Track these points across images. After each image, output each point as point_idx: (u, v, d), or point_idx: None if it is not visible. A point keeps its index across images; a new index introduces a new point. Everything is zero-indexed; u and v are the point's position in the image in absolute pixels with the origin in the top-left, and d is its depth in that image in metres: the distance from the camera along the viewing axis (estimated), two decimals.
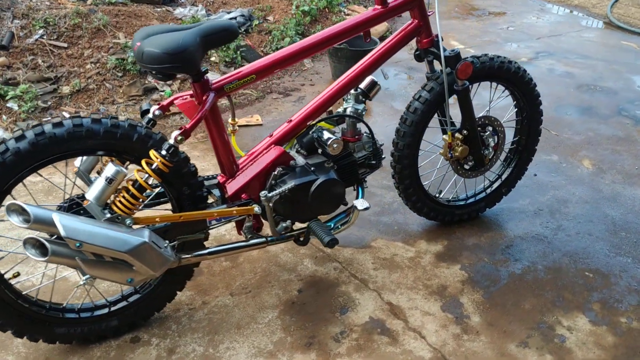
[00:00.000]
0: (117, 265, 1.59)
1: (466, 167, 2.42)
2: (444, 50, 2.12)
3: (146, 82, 3.70)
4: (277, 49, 4.30)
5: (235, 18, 4.38)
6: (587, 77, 4.38)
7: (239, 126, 3.38)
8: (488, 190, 2.62)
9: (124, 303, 1.93)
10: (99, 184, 1.61)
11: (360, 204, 1.99)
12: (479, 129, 2.35)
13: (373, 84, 2.15)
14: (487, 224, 2.62)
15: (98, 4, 4.24)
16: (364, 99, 2.14)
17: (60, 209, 1.72)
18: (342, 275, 2.27)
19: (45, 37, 3.78)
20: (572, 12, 6.30)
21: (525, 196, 2.83)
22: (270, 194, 1.83)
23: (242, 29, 4.40)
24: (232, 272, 2.27)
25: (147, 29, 1.69)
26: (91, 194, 1.61)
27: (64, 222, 1.50)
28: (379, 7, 2.01)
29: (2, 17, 3.82)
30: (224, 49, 4.09)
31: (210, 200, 1.97)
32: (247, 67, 1.85)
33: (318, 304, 2.13)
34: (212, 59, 4.08)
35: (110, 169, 1.61)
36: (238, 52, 4.10)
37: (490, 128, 2.39)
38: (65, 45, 3.81)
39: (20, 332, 1.78)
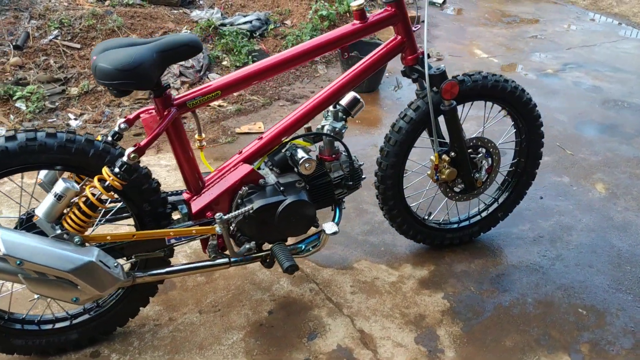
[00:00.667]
0: (61, 284, 1.56)
1: (456, 189, 2.30)
2: (430, 68, 2.01)
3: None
4: None
5: (250, 22, 4.34)
6: (615, 92, 4.14)
7: (240, 134, 3.34)
8: (483, 214, 2.49)
9: (85, 316, 1.91)
10: (48, 200, 1.58)
11: (329, 227, 1.90)
12: (470, 150, 2.23)
13: (355, 101, 2.06)
14: (480, 249, 2.49)
15: (115, 5, 4.27)
16: (344, 117, 2.06)
17: (17, 223, 1.70)
18: (317, 297, 2.19)
19: (59, 37, 3.84)
20: (610, 20, 5.99)
21: (527, 221, 2.68)
22: (226, 217, 1.77)
23: (257, 33, 4.36)
24: (205, 288, 2.22)
25: (105, 43, 1.66)
26: (40, 209, 1.59)
27: (4, 238, 1.48)
28: (358, 22, 1.92)
29: (19, 17, 3.90)
30: (236, 53, 4.06)
31: (178, 216, 1.92)
32: (214, 83, 1.79)
33: (286, 328, 2.05)
34: (224, 63, 4.05)
35: (59, 185, 1.58)
36: (250, 56, 4.06)
37: (483, 150, 2.26)
38: (79, 46, 3.86)
39: None
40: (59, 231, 1.61)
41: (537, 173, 2.45)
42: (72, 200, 1.63)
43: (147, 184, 1.76)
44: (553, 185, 2.97)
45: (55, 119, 3.37)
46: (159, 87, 1.69)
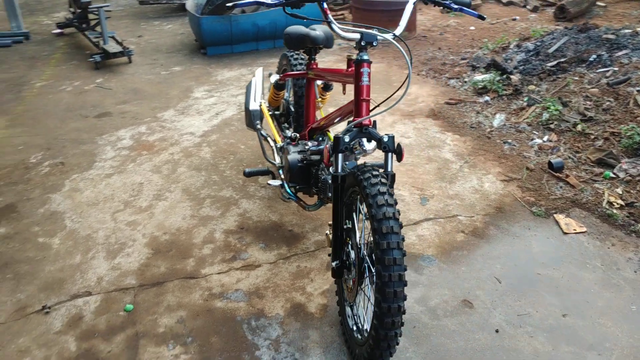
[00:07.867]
0: (247, 115, 3.37)
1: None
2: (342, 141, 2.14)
3: (609, 159, 3.56)
4: None
5: None
6: None
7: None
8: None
9: None
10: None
11: (273, 181, 2.73)
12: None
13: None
14: None
15: None
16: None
17: None
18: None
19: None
20: None
21: None
22: (257, 127, 3.00)
23: None
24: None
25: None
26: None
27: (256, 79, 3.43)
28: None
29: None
30: None
31: None
32: (315, 68, 2.83)
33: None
34: None
35: (272, 76, 3.30)
36: None
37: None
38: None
39: None
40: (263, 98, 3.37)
41: None
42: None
43: (297, 103, 3.15)
44: None
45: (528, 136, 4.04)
46: (309, 56, 2.92)
